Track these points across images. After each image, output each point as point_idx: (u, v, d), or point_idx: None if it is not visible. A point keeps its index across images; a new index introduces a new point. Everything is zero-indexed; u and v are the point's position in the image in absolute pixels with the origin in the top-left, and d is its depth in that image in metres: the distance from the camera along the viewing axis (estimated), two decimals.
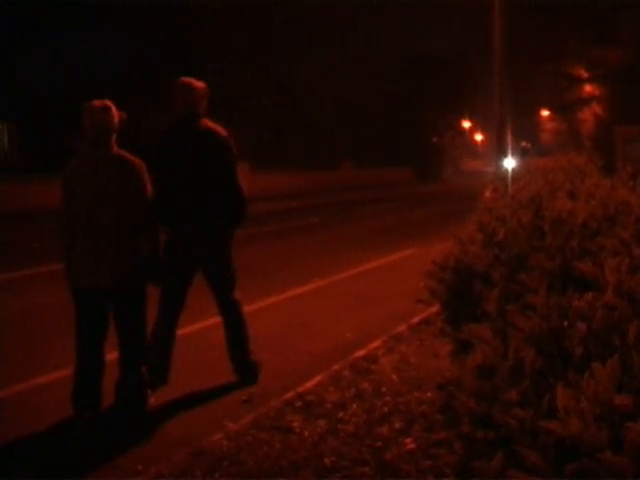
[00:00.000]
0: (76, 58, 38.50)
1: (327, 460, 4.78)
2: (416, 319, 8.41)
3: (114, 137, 5.67)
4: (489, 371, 2.42)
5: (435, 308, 7.38)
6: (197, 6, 39.64)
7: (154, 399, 6.00)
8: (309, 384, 6.30)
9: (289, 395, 6.04)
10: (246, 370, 6.58)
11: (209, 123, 6.36)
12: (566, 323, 2.52)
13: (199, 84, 6.37)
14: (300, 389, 6.17)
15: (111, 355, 5.93)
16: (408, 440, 4.98)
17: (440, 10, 45.31)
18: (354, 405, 5.76)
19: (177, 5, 39.01)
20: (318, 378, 6.45)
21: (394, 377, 6.44)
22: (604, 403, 1.97)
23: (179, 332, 7.56)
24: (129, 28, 38.77)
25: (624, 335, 2.33)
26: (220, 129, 6.40)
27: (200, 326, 7.99)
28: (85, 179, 5.60)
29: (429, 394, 5.75)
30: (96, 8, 36.64)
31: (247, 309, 9.38)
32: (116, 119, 5.65)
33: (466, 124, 73.90)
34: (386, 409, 5.63)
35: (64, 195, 5.64)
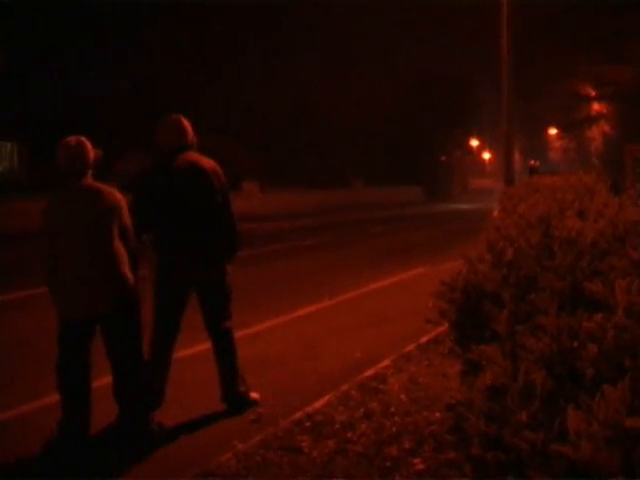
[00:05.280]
0: (87, 75, 38.66)
1: None
2: (425, 339, 8.38)
3: (89, 172, 5.75)
4: (499, 392, 2.40)
5: (444, 328, 7.38)
6: (208, 28, 39.88)
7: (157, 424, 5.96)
8: (318, 404, 6.27)
9: (298, 415, 6.01)
10: (233, 400, 6.47)
11: (193, 156, 6.32)
12: (576, 344, 2.50)
13: (180, 119, 6.36)
14: (309, 409, 6.14)
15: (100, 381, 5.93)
16: (417, 461, 4.96)
17: (449, 29, 45.42)
18: (363, 425, 5.74)
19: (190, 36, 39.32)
20: (327, 398, 6.42)
21: (403, 397, 6.42)
22: (616, 426, 1.95)
23: (188, 352, 7.58)
24: (138, 47, 38.93)
25: (635, 356, 2.32)
26: (205, 161, 6.35)
27: (208, 346, 7.97)
28: (63, 212, 5.67)
29: (438, 414, 5.73)
30: (109, 27, 36.86)
31: (256, 328, 9.47)
32: (91, 154, 5.75)
33: (474, 143, 73.96)
34: (395, 429, 5.61)
35: (44, 231, 5.69)
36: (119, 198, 5.78)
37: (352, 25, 45.70)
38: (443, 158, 66.15)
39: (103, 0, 34.93)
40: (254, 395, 6.61)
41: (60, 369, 5.70)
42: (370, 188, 51.18)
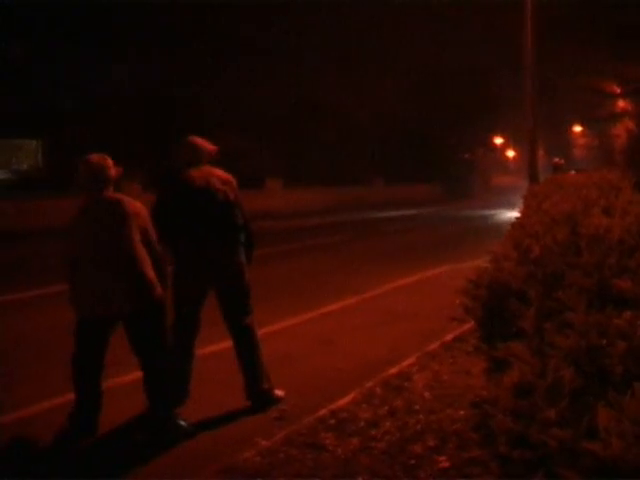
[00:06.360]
0: (107, 73, 38.75)
1: (360, 478, 4.76)
2: (449, 336, 8.35)
3: (110, 187, 5.93)
4: (526, 390, 2.39)
5: (468, 325, 7.36)
6: (220, 30, 39.92)
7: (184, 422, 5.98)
8: (342, 401, 6.27)
9: (322, 412, 6.01)
10: (256, 398, 6.49)
11: (208, 169, 6.55)
12: (605, 341, 2.48)
13: (194, 139, 6.66)
14: (333, 406, 6.13)
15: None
16: (442, 458, 4.94)
17: (472, 25, 45.20)
18: (387, 423, 5.72)
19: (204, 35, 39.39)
20: (351, 395, 6.41)
21: (427, 395, 6.40)
22: None
23: (212, 348, 7.60)
24: (159, 47, 39.01)
25: None
26: (219, 173, 6.58)
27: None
28: (86, 219, 5.86)
29: (462, 412, 5.71)
30: (131, 24, 36.94)
31: (278, 326, 9.48)
32: (112, 171, 5.94)
33: (498, 140, 73.64)
34: (419, 427, 5.59)
35: (67, 238, 5.90)
36: (139, 206, 5.97)
37: (370, 22, 45.55)
38: (466, 156, 65.86)
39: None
40: (279, 393, 6.61)
41: (74, 364, 5.83)
42: (391, 186, 51.03)
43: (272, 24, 41.57)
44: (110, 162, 5.98)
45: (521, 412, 2.32)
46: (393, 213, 35.10)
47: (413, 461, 4.96)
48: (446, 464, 4.83)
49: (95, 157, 5.95)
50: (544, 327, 2.72)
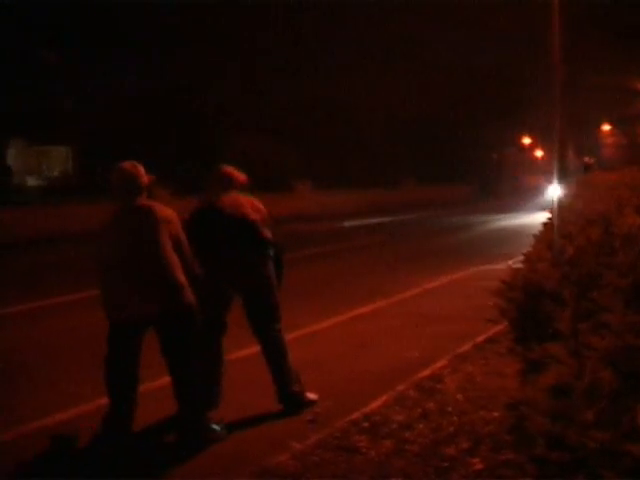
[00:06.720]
0: (132, 74, 38.97)
1: None
2: (481, 338, 8.32)
3: (143, 194, 6.00)
4: (563, 391, 2.38)
5: (499, 327, 7.32)
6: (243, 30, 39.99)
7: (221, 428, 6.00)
8: (374, 404, 6.26)
9: (355, 415, 6.00)
10: (287, 400, 6.52)
11: (234, 196, 6.77)
12: None
13: (232, 171, 6.96)
14: (366, 409, 6.13)
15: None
16: (475, 460, 4.91)
17: (500, 24, 44.93)
18: (420, 425, 5.71)
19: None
20: (383, 398, 6.40)
21: (459, 397, 6.38)
22: None
23: (244, 352, 7.62)
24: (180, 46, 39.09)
25: None
26: (244, 199, 6.79)
27: None
28: (117, 225, 5.95)
29: (495, 414, 5.67)
30: (152, 24, 37.12)
31: (310, 329, 9.49)
32: (144, 179, 6.03)
33: (526, 140, 73.21)
34: (452, 429, 5.57)
35: (98, 245, 5.98)
36: (170, 213, 6.02)
37: (398, 21, 45.37)
38: (494, 156, 65.54)
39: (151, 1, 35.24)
40: (311, 395, 6.63)
41: (108, 367, 5.88)
42: (420, 187, 50.86)
43: (294, 24, 41.57)
44: (142, 170, 6.05)
45: (558, 413, 2.31)
46: (422, 214, 34.96)
47: (446, 463, 4.94)
48: (480, 466, 4.80)
49: (127, 165, 6.02)
50: (580, 328, 2.70)
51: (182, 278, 5.88)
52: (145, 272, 5.78)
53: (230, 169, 7.01)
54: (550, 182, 31.47)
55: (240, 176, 6.99)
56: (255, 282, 6.62)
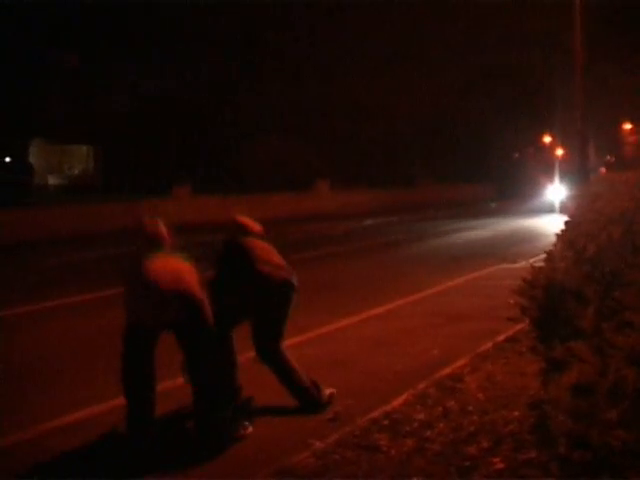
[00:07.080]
0: (153, 75, 39.15)
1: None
2: (501, 337, 8.29)
3: (167, 248, 6.12)
4: (586, 390, 2.36)
5: (520, 326, 7.30)
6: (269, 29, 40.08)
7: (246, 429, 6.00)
8: (395, 403, 6.26)
9: (375, 414, 6.00)
10: (302, 397, 6.52)
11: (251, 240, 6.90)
12: None
13: (247, 221, 7.12)
14: (386, 408, 6.13)
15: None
16: (496, 460, 4.90)
17: (521, 24, 44.77)
18: (441, 424, 5.70)
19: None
20: (404, 397, 6.40)
21: (480, 396, 6.37)
22: None
23: None
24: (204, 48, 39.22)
25: None
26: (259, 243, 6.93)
27: (286, 344, 7.99)
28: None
29: (517, 413, 5.66)
30: (180, 28, 37.31)
31: (330, 328, 9.49)
32: (165, 234, 6.16)
33: (547, 139, 72.90)
34: (473, 428, 5.56)
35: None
36: (189, 267, 6.09)
37: (420, 20, 45.28)
38: (516, 155, 65.29)
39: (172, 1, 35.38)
40: (329, 391, 6.59)
41: (124, 369, 5.91)
42: (438, 186, 50.69)
43: (317, 26, 41.59)
44: (163, 227, 6.18)
45: (581, 413, 2.30)
46: (443, 213, 34.84)
47: (467, 462, 4.93)
48: (501, 465, 4.79)
49: (149, 222, 6.20)
50: (603, 327, 2.69)
51: (198, 286, 5.96)
52: (164, 280, 5.85)
53: (246, 219, 7.13)
54: (568, 182, 31.31)
55: (255, 226, 7.09)
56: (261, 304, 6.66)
